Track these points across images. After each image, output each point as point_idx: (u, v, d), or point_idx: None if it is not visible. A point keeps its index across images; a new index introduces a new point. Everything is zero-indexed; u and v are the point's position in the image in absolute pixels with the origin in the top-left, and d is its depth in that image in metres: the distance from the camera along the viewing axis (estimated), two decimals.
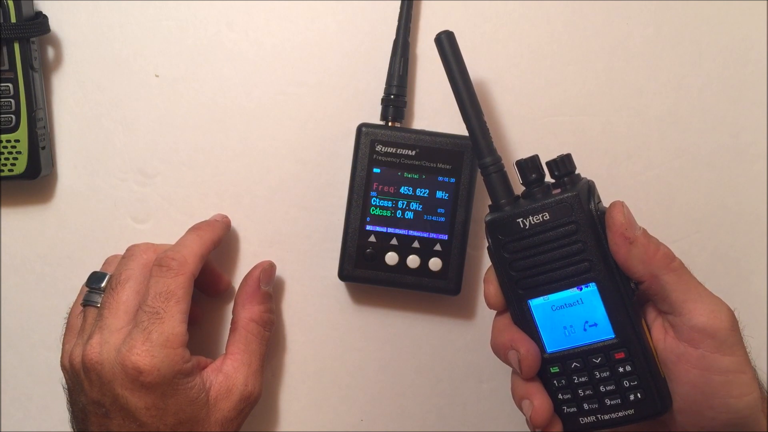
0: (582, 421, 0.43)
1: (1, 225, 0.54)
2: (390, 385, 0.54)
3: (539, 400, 0.42)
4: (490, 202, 0.44)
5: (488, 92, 0.51)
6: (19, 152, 0.50)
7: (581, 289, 0.42)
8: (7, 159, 0.50)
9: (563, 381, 0.43)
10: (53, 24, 0.52)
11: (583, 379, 0.42)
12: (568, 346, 0.42)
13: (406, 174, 0.48)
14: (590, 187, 0.42)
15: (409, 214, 0.49)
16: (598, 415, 0.42)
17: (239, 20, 0.52)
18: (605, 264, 0.41)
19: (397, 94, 0.50)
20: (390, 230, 0.49)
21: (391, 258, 0.49)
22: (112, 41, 0.52)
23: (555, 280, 0.42)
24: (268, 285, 0.51)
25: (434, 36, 0.44)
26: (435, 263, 0.49)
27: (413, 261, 0.49)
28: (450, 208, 0.49)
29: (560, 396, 0.43)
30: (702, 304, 0.40)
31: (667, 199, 0.52)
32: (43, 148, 0.51)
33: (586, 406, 0.43)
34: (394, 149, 0.48)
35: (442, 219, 0.49)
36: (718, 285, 0.52)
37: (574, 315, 0.42)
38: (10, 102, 0.50)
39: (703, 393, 0.40)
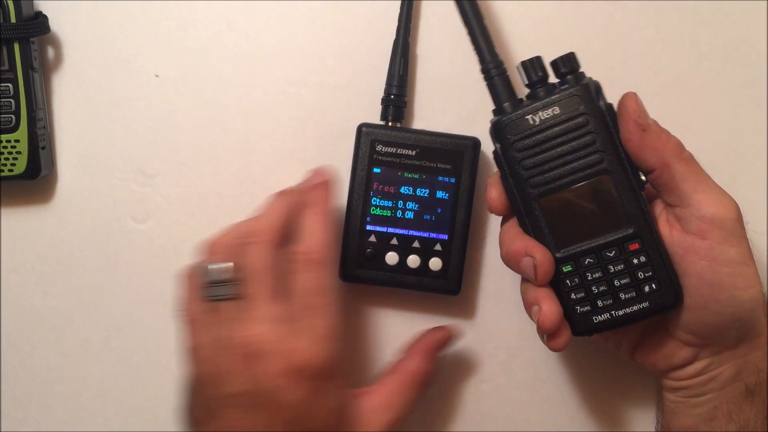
0: (596, 320, 0.42)
1: (1, 225, 0.54)
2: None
3: (548, 305, 0.42)
4: (493, 107, 0.44)
5: (488, 92, 0.51)
6: (19, 152, 0.50)
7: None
8: (7, 159, 0.50)
9: (576, 279, 0.42)
10: (53, 24, 0.52)
11: (597, 274, 0.42)
12: (581, 243, 0.42)
13: (406, 174, 0.49)
14: (597, 84, 0.42)
15: (409, 214, 0.49)
16: (613, 312, 0.42)
17: (239, 20, 0.52)
18: (617, 155, 0.41)
19: (397, 95, 0.50)
20: (390, 230, 0.49)
21: (392, 258, 0.49)
22: (112, 41, 0.52)
23: (566, 174, 0.42)
24: (439, 351, 0.49)
25: None
26: (435, 263, 0.49)
27: (413, 261, 0.49)
28: (450, 207, 0.49)
29: (573, 296, 0.43)
30: (710, 195, 0.41)
31: None
32: (43, 148, 0.51)
33: (600, 302, 0.42)
34: (395, 149, 0.48)
35: (442, 219, 0.49)
36: None
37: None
38: (10, 102, 0.50)
39: (710, 285, 0.41)
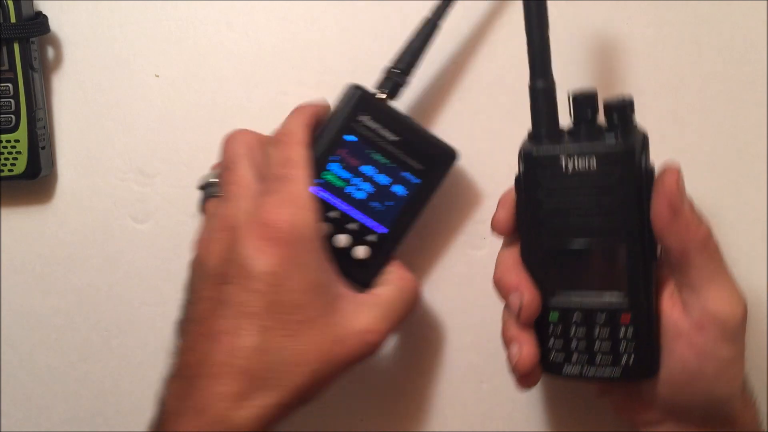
0: (565, 370, 0.42)
1: (1, 225, 0.54)
2: (390, 385, 0.54)
3: (528, 349, 0.41)
4: (530, 129, 0.42)
5: (488, 92, 0.51)
6: (18, 152, 0.50)
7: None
8: (6, 159, 0.50)
9: (560, 329, 0.41)
10: (53, 24, 0.52)
11: (581, 331, 0.41)
12: (575, 298, 0.41)
13: (375, 155, 0.45)
14: (645, 141, 0.40)
15: (360, 194, 0.45)
16: (584, 368, 0.42)
17: (239, 20, 0.52)
18: (640, 225, 0.39)
19: (403, 71, 0.46)
20: (333, 201, 0.45)
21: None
22: (112, 41, 0.52)
23: (584, 229, 0.40)
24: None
25: None
26: (362, 251, 0.46)
27: (342, 240, 0.46)
28: (402, 205, 0.46)
29: (552, 342, 0.42)
30: (722, 292, 0.39)
31: None
32: (43, 148, 0.51)
33: (575, 356, 0.42)
34: (378, 126, 0.45)
35: (389, 212, 0.46)
36: None
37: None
38: (10, 102, 0.50)
39: (691, 374, 0.40)
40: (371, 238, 0.46)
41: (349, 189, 0.45)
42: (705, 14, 0.51)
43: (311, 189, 0.42)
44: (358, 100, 0.45)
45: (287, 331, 0.40)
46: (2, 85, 0.49)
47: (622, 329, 0.40)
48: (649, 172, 0.40)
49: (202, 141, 0.53)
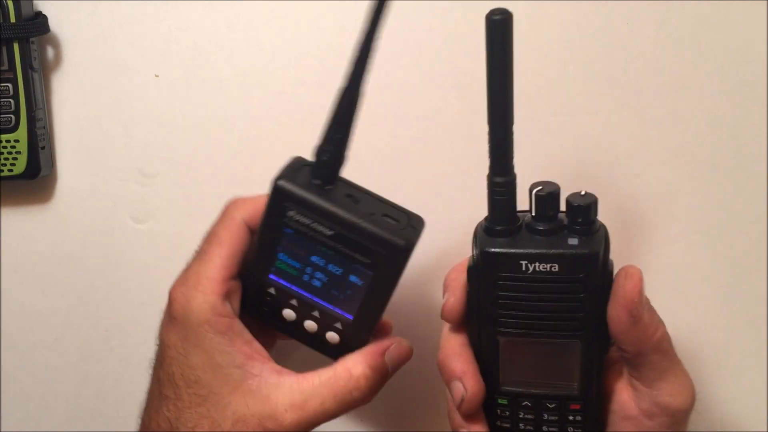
0: None
1: (1, 225, 0.54)
2: (390, 385, 0.54)
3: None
4: (486, 218, 0.39)
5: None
6: (18, 152, 0.50)
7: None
8: (6, 159, 0.50)
9: (507, 413, 0.41)
10: (53, 24, 0.52)
11: (529, 417, 0.41)
12: (525, 387, 0.41)
13: (318, 246, 0.41)
14: (606, 241, 0.38)
15: (317, 282, 0.42)
16: None
17: (239, 20, 0.52)
18: (597, 324, 0.38)
19: (333, 153, 0.40)
20: (293, 288, 0.42)
21: (289, 315, 0.43)
22: (112, 41, 0.52)
23: (538, 328, 0.39)
24: (393, 366, 0.43)
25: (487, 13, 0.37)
26: (332, 337, 0.43)
27: (310, 326, 0.43)
28: (363, 295, 0.41)
29: (498, 423, 0.42)
30: (673, 385, 0.39)
31: (667, 199, 0.52)
32: (43, 148, 0.51)
33: None
34: (309, 221, 0.40)
35: (352, 300, 0.41)
36: (718, 285, 0.52)
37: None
38: (10, 102, 0.50)
39: None
40: (337, 324, 0.43)
41: (305, 277, 0.42)
42: (705, 14, 0.51)
43: (271, 277, 0.42)
44: (281, 196, 0.40)
45: (184, 403, 0.41)
46: (2, 85, 0.49)
47: (571, 417, 0.41)
48: (609, 272, 0.39)
49: (202, 141, 0.53)
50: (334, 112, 0.40)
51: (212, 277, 0.41)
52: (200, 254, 0.43)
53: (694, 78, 0.51)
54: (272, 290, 0.43)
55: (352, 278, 0.41)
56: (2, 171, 0.50)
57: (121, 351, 0.55)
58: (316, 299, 0.42)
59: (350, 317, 0.42)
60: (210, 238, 0.43)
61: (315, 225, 0.40)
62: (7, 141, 0.50)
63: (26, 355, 0.55)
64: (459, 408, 0.40)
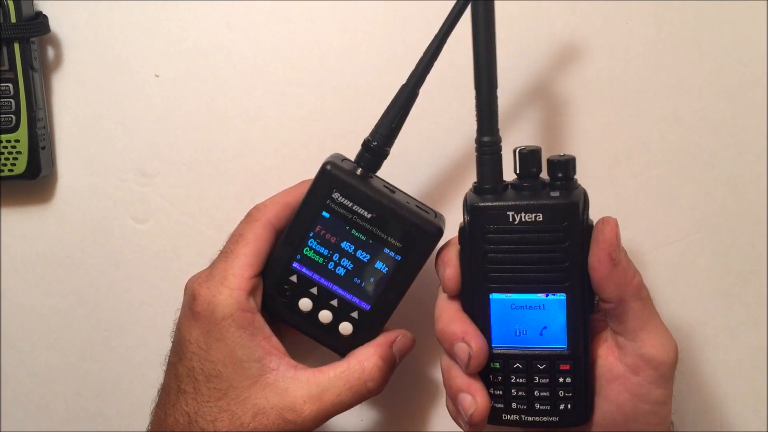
0: (504, 417, 0.43)
1: (1, 225, 0.54)
2: (390, 386, 0.54)
3: (482, 398, 0.41)
4: (475, 182, 0.42)
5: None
6: (19, 152, 0.50)
7: (548, 295, 0.41)
8: (7, 159, 0.50)
9: (500, 377, 0.42)
10: (53, 24, 0.52)
11: (521, 380, 0.42)
12: (516, 345, 0.42)
13: (353, 231, 0.44)
14: (586, 197, 0.41)
15: (341, 270, 0.45)
16: (523, 416, 0.43)
17: (239, 20, 0.52)
18: (580, 277, 0.41)
19: (380, 145, 0.43)
20: (315, 277, 0.45)
21: (305, 304, 0.45)
22: (112, 41, 0.52)
23: (526, 281, 0.41)
24: (400, 357, 0.46)
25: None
26: (345, 327, 0.45)
27: (325, 316, 0.45)
28: (384, 282, 0.45)
29: (491, 390, 0.42)
30: (655, 336, 0.41)
31: (667, 199, 0.52)
32: (43, 148, 0.51)
33: (514, 404, 0.43)
34: (351, 203, 0.43)
35: (372, 289, 0.45)
36: (718, 285, 0.52)
37: (531, 318, 0.42)
38: (10, 102, 0.50)
39: (625, 416, 0.41)
40: (353, 314, 0.45)
41: (330, 265, 0.45)
42: (705, 14, 0.51)
43: (294, 265, 0.45)
44: (329, 178, 0.43)
45: (203, 397, 0.42)
46: (2, 85, 0.49)
47: (561, 378, 0.42)
48: (588, 227, 0.41)
49: (202, 141, 0.53)
50: (391, 105, 0.43)
51: (238, 274, 0.43)
52: (226, 253, 0.44)
53: (693, 78, 0.51)
54: (294, 278, 0.45)
55: (378, 265, 0.44)
56: (3, 171, 0.50)
57: (121, 351, 0.55)
58: (336, 288, 0.45)
59: (367, 307, 0.45)
60: (235, 238, 0.45)
61: (356, 207, 0.43)
62: (8, 141, 0.50)
63: (26, 355, 0.55)
64: (467, 368, 0.41)
